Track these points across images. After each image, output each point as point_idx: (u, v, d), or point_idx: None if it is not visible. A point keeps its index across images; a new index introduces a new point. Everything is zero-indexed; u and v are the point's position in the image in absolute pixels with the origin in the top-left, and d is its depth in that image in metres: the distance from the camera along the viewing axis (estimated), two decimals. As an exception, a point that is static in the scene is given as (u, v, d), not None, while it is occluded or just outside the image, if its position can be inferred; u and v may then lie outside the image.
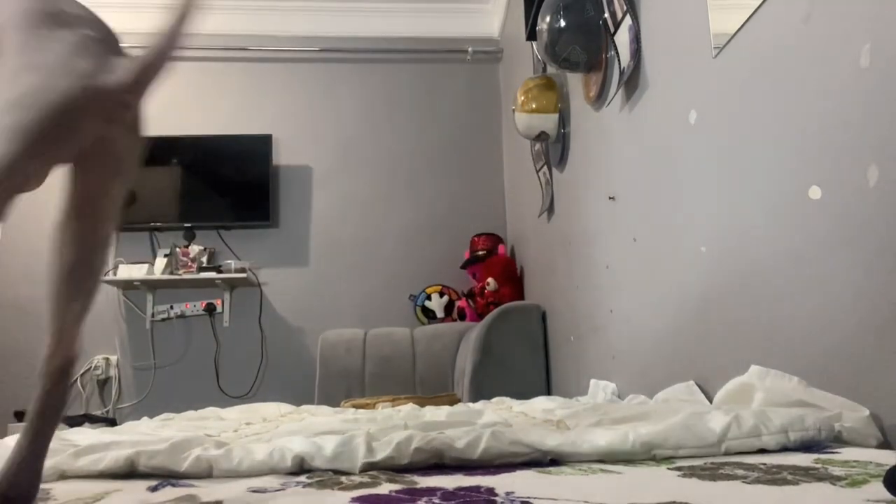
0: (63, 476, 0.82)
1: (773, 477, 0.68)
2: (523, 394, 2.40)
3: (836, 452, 0.83)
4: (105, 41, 0.69)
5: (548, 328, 2.79)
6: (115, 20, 0.75)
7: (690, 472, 0.73)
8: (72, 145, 0.61)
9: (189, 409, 2.13)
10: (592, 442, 0.86)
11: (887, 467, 0.58)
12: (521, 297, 3.20)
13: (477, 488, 0.68)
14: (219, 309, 3.56)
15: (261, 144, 3.63)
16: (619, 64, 1.86)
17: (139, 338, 3.51)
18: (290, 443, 0.85)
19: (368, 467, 0.82)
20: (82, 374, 3.43)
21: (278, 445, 0.84)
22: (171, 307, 3.55)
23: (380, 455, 0.82)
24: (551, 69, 2.61)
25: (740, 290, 1.29)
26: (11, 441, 1.16)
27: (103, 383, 3.46)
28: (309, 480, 0.75)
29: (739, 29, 1.27)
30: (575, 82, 2.35)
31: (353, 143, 3.77)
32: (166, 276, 3.41)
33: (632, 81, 1.80)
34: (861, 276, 0.96)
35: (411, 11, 3.89)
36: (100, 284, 0.68)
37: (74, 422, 2.76)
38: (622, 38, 1.82)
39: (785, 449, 0.87)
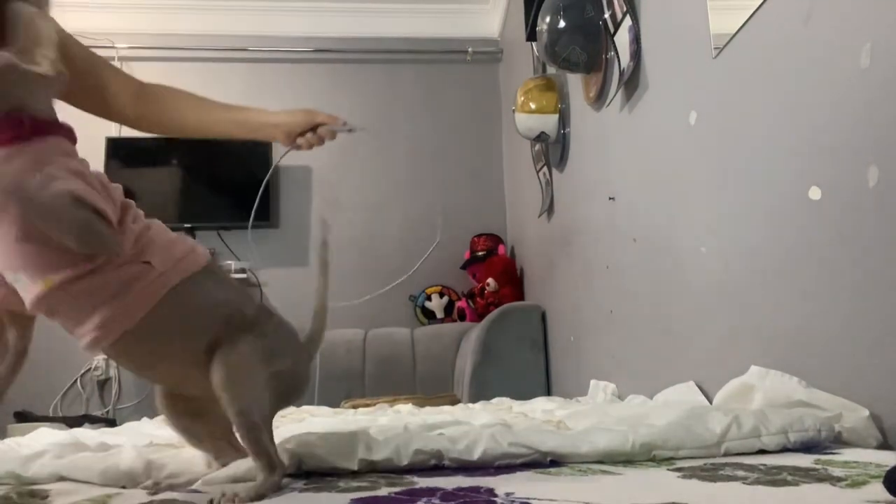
0: (62, 477, 0.82)
1: (773, 478, 0.68)
2: (523, 394, 2.40)
3: (837, 453, 0.83)
4: None
5: (548, 328, 2.79)
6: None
7: (690, 473, 0.73)
8: None
9: (189, 409, 2.12)
10: (592, 443, 0.86)
11: (887, 468, 0.58)
12: (521, 298, 3.20)
13: (476, 489, 0.68)
14: (219, 309, 3.56)
15: (261, 145, 3.63)
16: (619, 64, 1.86)
17: (139, 338, 3.51)
18: (288, 442, 0.85)
19: (368, 466, 0.82)
20: (82, 375, 3.43)
21: (277, 445, 0.84)
22: (172, 307, 3.54)
23: (379, 455, 0.82)
24: (551, 70, 2.61)
25: (740, 290, 1.29)
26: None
27: (103, 384, 3.46)
28: (307, 485, 0.75)
29: (739, 29, 1.27)
30: (575, 83, 2.35)
31: (354, 143, 3.77)
32: (166, 277, 3.40)
33: (632, 82, 1.80)
34: (861, 277, 0.96)
35: (411, 12, 3.89)
36: None
37: (74, 422, 2.76)
38: (622, 38, 1.82)
39: (785, 449, 0.87)
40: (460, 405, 2.09)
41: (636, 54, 1.76)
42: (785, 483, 0.66)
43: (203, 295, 0.81)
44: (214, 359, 0.78)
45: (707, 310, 1.43)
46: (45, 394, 3.37)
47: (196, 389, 0.83)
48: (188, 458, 0.90)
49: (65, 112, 0.81)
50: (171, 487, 0.76)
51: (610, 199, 1.99)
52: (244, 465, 0.79)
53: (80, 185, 0.73)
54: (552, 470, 0.80)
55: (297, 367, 0.86)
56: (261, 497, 0.68)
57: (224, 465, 0.84)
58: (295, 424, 1.50)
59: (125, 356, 0.80)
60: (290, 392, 0.86)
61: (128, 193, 0.82)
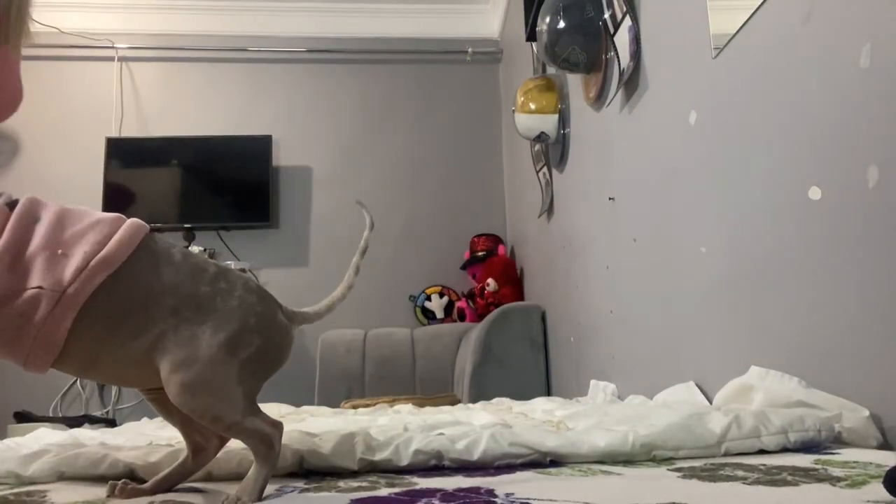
0: (62, 477, 0.82)
1: (773, 478, 0.68)
2: (523, 394, 2.41)
3: (836, 453, 0.83)
4: None
5: (548, 328, 2.79)
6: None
7: (690, 473, 0.73)
8: None
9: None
10: (592, 443, 0.86)
11: (887, 468, 0.58)
12: (521, 298, 3.21)
13: (477, 489, 0.68)
14: (219, 309, 3.56)
15: (261, 145, 3.64)
16: (619, 65, 1.86)
17: (139, 338, 3.51)
18: (288, 442, 0.85)
19: (368, 466, 0.82)
20: (82, 375, 3.43)
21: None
22: (171, 308, 3.54)
23: (379, 456, 0.82)
24: (551, 70, 2.61)
25: (740, 290, 1.29)
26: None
27: (103, 384, 3.46)
28: (307, 485, 0.75)
29: (739, 29, 1.27)
30: (575, 83, 2.35)
31: (353, 143, 3.77)
32: (166, 277, 3.40)
33: (631, 82, 1.80)
34: (861, 277, 0.96)
35: (411, 12, 3.89)
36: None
37: (74, 422, 2.76)
38: (622, 38, 1.82)
39: (785, 450, 0.87)
40: (460, 405, 2.09)
41: (636, 54, 1.76)
42: (785, 483, 0.66)
43: (132, 292, 0.67)
44: (168, 372, 0.66)
45: (707, 310, 1.43)
46: (45, 394, 3.38)
47: (140, 384, 0.73)
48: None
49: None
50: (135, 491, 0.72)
51: (610, 199, 1.99)
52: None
53: None
54: (552, 470, 0.80)
55: (270, 341, 0.72)
56: (264, 487, 0.67)
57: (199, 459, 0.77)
58: (295, 424, 1.50)
59: (59, 367, 0.69)
60: (271, 366, 0.72)
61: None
